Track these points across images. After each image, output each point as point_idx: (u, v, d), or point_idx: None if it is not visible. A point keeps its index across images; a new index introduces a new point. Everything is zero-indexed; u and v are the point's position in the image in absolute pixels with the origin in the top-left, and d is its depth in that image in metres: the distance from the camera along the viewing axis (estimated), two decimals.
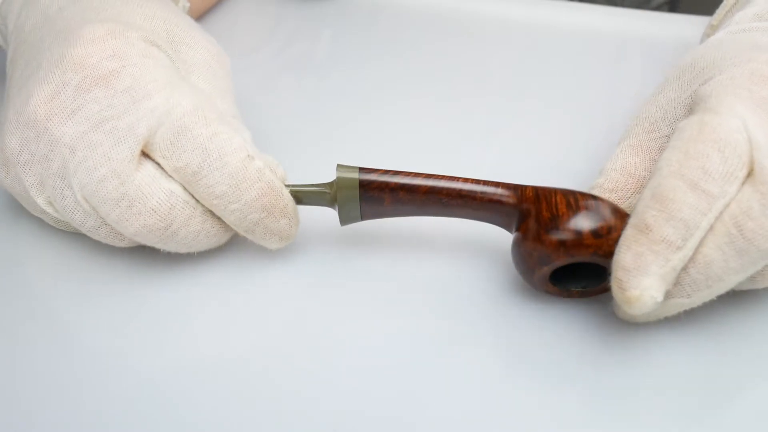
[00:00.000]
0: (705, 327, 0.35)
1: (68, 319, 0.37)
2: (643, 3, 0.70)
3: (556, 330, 0.36)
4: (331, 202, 0.38)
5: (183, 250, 0.37)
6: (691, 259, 0.31)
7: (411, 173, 0.36)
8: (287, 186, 0.37)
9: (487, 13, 0.57)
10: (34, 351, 0.36)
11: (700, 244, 0.31)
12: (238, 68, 0.51)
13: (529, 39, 0.55)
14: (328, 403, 0.33)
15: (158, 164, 0.36)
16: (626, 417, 0.33)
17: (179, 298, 0.38)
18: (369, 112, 0.49)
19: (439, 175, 0.36)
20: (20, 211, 0.42)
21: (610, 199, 0.36)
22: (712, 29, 0.45)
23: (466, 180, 0.36)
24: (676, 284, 0.32)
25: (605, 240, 0.33)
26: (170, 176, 0.36)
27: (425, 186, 0.36)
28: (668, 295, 0.32)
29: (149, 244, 0.37)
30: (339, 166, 0.36)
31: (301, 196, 0.38)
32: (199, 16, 0.56)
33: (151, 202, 0.35)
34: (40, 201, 0.38)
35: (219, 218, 0.37)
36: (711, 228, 0.31)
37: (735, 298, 0.36)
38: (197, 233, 0.37)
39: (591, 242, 0.33)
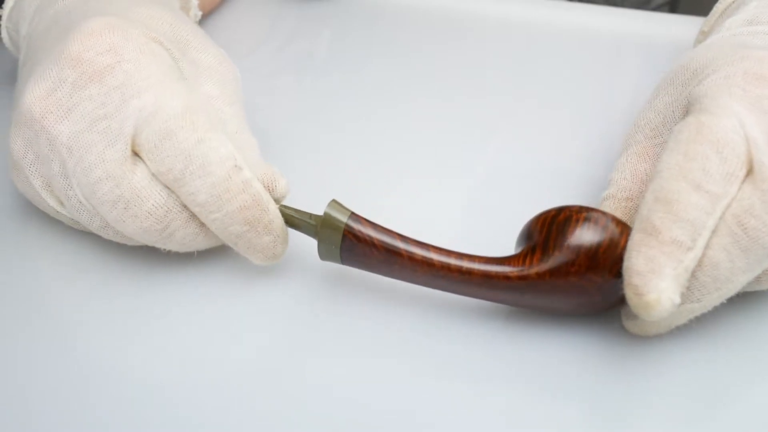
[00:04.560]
0: (709, 330, 0.35)
1: (70, 320, 0.37)
2: (643, 3, 0.70)
3: (558, 344, 0.35)
4: (315, 235, 0.36)
5: (183, 249, 0.37)
6: (698, 262, 0.31)
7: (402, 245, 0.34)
8: (282, 206, 0.36)
9: (487, 13, 0.57)
10: (35, 350, 0.36)
11: (705, 246, 0.31)
12: (238, 69, 0.51)
13: (529, 39, 0.55)
14: (319, 419, 0.34)
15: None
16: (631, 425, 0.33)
17: (182, 301, 0.38)
18: (369, 112, 0.49)
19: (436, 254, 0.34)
20: (27, 212, 0.42)
21: (626, 208, 0.35)
22: (704, 35, 0.45)
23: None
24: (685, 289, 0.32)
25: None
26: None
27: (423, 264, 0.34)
28: None
29: (149, 243, 0.37)
30: (326, 213, 0.35)
31: (290, 219, 0.36)
32: (205, 16, 0.56)
33: (147, 205, 0.35)
34: (52, 202, 0.38)
35: None
36: (714, 229, 0.31)
37: (740, 299, 0.36)
38: (195, 234, 0.36)
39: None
